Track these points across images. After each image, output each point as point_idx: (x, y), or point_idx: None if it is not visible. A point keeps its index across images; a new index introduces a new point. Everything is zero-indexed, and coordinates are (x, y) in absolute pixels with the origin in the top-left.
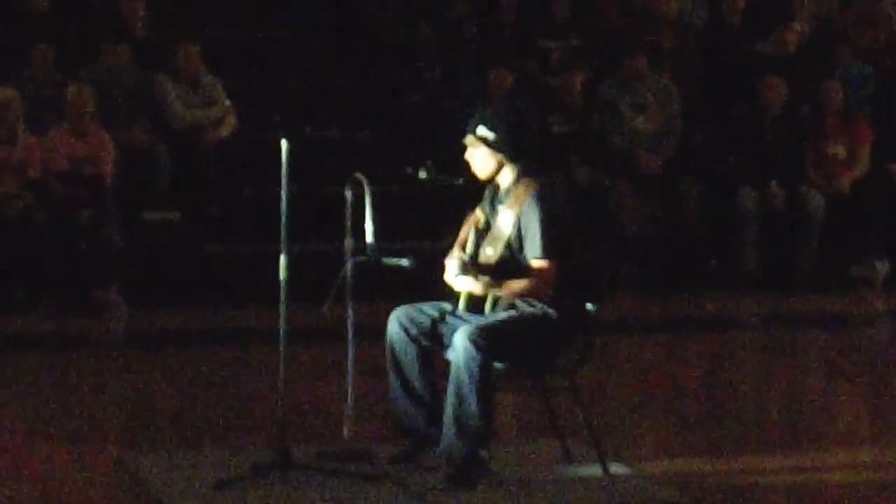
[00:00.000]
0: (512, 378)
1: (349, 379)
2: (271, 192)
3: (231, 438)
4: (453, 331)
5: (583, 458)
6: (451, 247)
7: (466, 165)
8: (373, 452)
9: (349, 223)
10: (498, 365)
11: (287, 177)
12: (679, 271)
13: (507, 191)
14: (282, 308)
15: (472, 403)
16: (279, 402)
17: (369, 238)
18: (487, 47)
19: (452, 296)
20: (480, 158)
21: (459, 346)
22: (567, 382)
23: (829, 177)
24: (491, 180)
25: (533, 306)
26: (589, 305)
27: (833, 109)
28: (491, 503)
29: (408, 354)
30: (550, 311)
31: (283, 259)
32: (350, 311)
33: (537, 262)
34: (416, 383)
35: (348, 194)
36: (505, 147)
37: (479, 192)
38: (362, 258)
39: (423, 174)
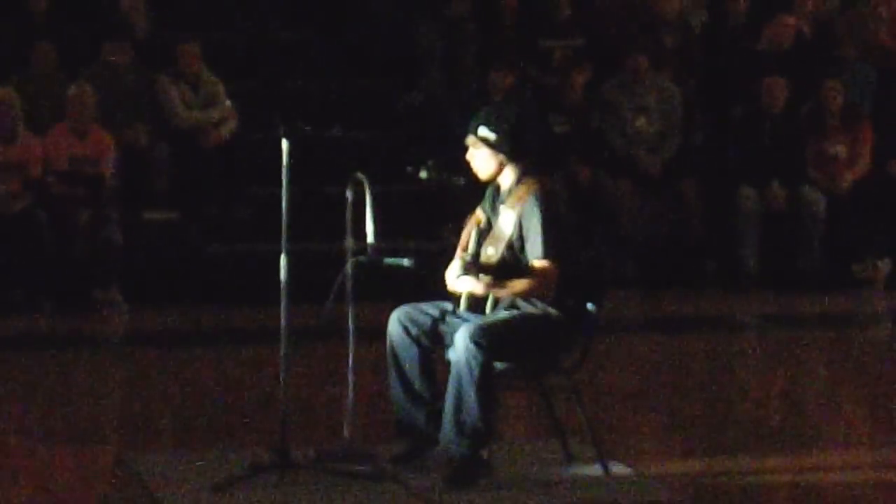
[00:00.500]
0: (512, 378)
1: (349, 379)
2: (272, 192)
3: (231, 438)
4: (454, 331)
5: (583, 458)
6: (453, 247)
7: (467, 165)
8: (373, 452)
9: (350, 223)
10: (498, 365)
11: (288, 177)
12: (680, 271)
13: (509, 191)
14: (282, 308)
15: (473, 403)
16: (279, 402)
17: (370, 238)
18: (488, 47)
19: (453, 296)
20: (482, 159)
21: (460, 346)
22: (567, 382)
23: (831, 176)
24: (492, 181)
25: (534, 306)
26: (590, 305)
27: (834, 109)
28: (491, 503)
29: (408, 354)
30: (551, 310)
31: (283, 259)
32: (351, 311)
33: (539, 263)
34: (417, 383)
35: (349, 194)
36: (506, 148)
37: (479, 192)
38: (363, 258)
39: (423, 174)
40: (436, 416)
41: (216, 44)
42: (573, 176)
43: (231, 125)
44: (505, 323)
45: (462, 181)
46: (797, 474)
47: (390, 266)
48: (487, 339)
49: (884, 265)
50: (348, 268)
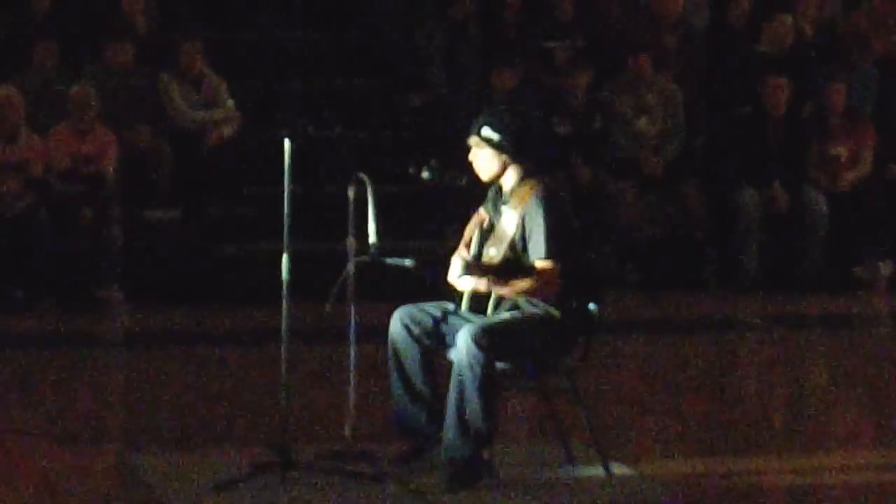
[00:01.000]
0: (514, 378)
1: (351, 379)
2: (274, 192)
3: (232, 438)
4: (456, 331)
5: (584, 459)
6: (455, 247)
7: (470, 166)
8: (374, 452)
9: (352, 223)
10: (500, 365)
11: (290, 176)
12: (681, 272)
13: (511, 192)
14: (284, 307)
15: (475, 403)
16: (280, 402)
17: (372, 238)
18: (491, 48)
19: (455, 296)
20: (484, 159)
21: (462, 346)
22: (569, 383)
23: (832, 178)
24: (494, 181)
25: (536, 306)
26: (591, 306)
27: (836, 110)
28: (492, 503)
29: (410, 354)
30: (553, 311)
31: (285, 258)
32: (352, 311)
33: (541, 263)
34: (418, 383)
35: (351, 194)
36: (509, 148)
37: (482, 192)
38: (365, 258)
39: (426, 174)
40: (437, 416)
41: (218, 43)
42: (575, 176)
43: (233, 125)
44: (507, 323)
45: (464, 181)
46: (799, 475)
47: (392, 266)
48: (489, 340)
49: (885, 267)
50: (350, 267)
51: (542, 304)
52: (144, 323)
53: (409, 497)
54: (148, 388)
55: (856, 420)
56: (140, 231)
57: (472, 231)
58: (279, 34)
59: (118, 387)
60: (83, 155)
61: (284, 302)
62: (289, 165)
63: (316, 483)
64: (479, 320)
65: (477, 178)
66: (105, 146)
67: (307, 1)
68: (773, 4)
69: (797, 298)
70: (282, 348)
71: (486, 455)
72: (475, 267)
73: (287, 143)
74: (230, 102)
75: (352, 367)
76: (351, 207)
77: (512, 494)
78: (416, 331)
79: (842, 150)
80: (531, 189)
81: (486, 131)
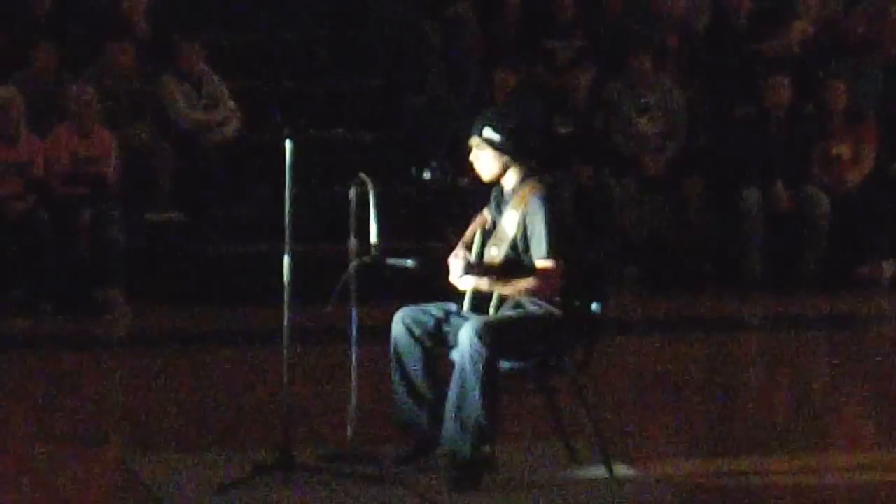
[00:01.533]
0: (516, 378)
1: (353, 380)
2: (275, 193)
3: (234, 439)
4: (458, 331)
5: (587, 459)
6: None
7: (471, 166)
8: (376, 453)
9: (353, 224)
10: (503, 364)
11: (291, 177)
12: (683, 272)
13: (512, 192)
14: (285, 309)
15: (476, 401)
16: (282, 403)
17: (373, 238)
18: (492, 48)
19: (457, 296)
20: (485, 160)
21: (465, 343)
22: (572, 383)
23: (835, 177)
24: (495, 182)
25: (538, 306)
26: (593, 306)
27: (838, 109)
28: None
29: (412, 355)
30: (555, 311)
31: (286, 260)
32: (354, 312)
33: (542, 263)
34: (420, 384)
35: (352, 195)
36: (510, 149)
37: (483, 193)
38: (366, 259)
39: (427, 175)
40: (439, 417)
41: (219, 44)
42: (576, 176)
43: (234, 125)
44: (509, 322)
45: (465, 182)
46: (801, 475)
47: (393, 267)
48: (491, 338)
49: (888, 266)
50: (352, 268)
51: (544, 304)
52: (145, 324)
53: (411, 498)
54: (149, 390)
55: (858, 420)
56: (141, 232)
57: (472, 232)
58: (280, 35)
59: (119, 388)
60: (84, 156)
61: (286, 303)
62: (290, 166)
63: (318, 484)
64: (481, 319)
65: (478, 178)
66: (106, 147)
67: (308, 1)
68: (774, 4)
69: (799, 298)
70: (283, 349)
71: (487, 455)
72: (477, 267)
73: (288, 143)
74: (231, 103)
75: (353, 369)
76: (352, 208)
77: (514, 494)
78: (417, 332)
79: (844, 150)
80: (532, 189)
81: (487, 132)
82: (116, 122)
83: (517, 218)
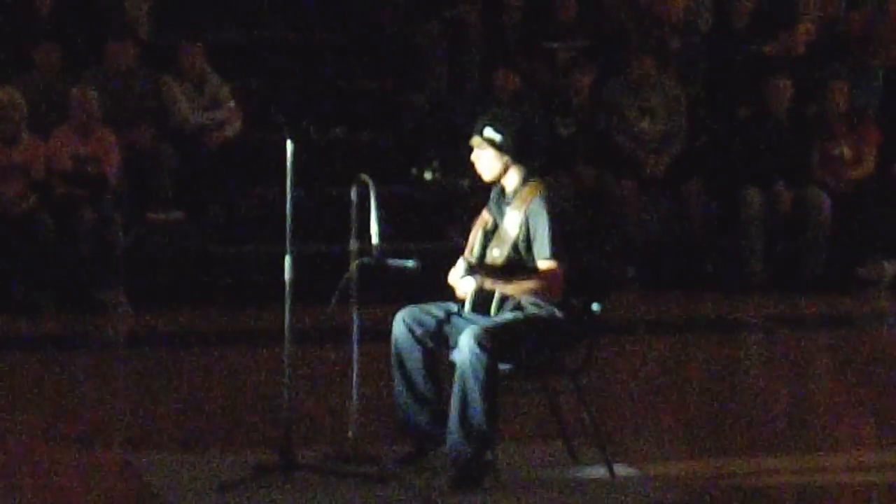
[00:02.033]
0: (517, 379)
1: (353, 380)
2: (276, 193)
3: (235, 440)
4: (459, 332)
5: (588, 460)
6: (460, 249)
7: (472, 167)
8: (377, 454)
9: (354, 224)
10: (503, 366)
11: (292, 178)
12: (684, 272)
13: (514, 192)
14: (286, 309)
15: (478, 404)
16: (284, 404)
17: (374, 239)
18: (493, 48)
19: (458, 296)
20: (487, 160)
21: (465, 347)
22: (572, 384)
23: (836, 177)
24: (497, 182)
25: (539, 307)
26: (594, 306)
27: (839, 110)
28: None
29: (413, 355)
30: (556, 311)
31: (287, 260)
32: (355, 313)
33: (544, 264)
34: (421, 384)
35: (353, 195)
36: (511, 149)
37: (484, 193)
38: (367, 259)
39: (428, 175)
40: (440, 417)
41: (220, 44)
42: (578, 177)
43: (235, 126)
44: (510, 324)
45: (466, 182)
46: (802, 476)
47: (395, 267)
48: (492, 341)
49: (889, 266)
50: (353, 269)
51: (545, 305)
52: (147, 324)
53: (412, 499)
54: (151, 390)
55: (860, 420)
56: (142, 233)
57: (475, 234)
58: (281, 35)
59: (121, 388)
60: (85, 157)
61: (287, 303)
62: (291, 167)
63: (319, 484)
64: (482, 321)
65: (479, 178)
66: (107, 148)
67: (310, 2)
68: (776, 5)
69: (800, 298)
70: (284, 350)
71: (489, 456)
72: (478, 268)
73: (289, 144)
74: (232, 104)
75: (354, 369)
76: (353, 209)
77: (515, 495)
78: (418, 332)
79: (845, 150)
80: (534, 190)
81: (489, 132)
82: (118, 123)
83: (519, 218)
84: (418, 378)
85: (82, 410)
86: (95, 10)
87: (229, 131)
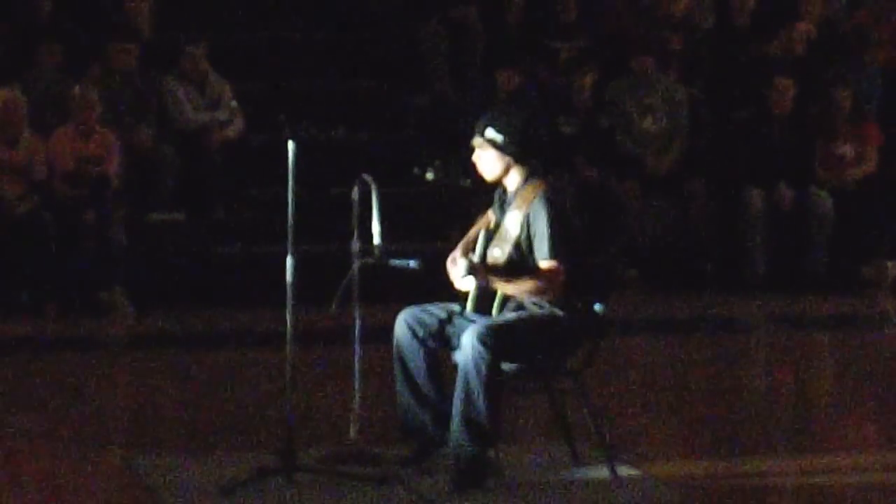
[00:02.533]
0: (519, 379)
1: (356, 381)
2: (277, 194)
3: (237, 440)
4: (461, 332)
5: (590, 460)
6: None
7: (474, 167)
8: (380, 454)
9: (356, 225)
10: (505, 366)
11: (294, 178)
12: (687, 272)
13: (516, 192)
14: (288, 310)
15: (480, 404)
16: (285, 404)
17: (376, 239)
18: (495, 48)
19: (460, 297)
20: (488, 161)
21: (468, 347)
22: (575, 384)
23: (838, 177)
24: (498, 182)
25: (541, 307)
26: (597, 306)
27: (842, 110)
28: None
29: (415, 356)
30: (558, 311)
31: (289, 261)
32: (357, 313)
33: (545, 263)
34: (423, 385)
35: (355, 196)
36: (513, 149)
37: (485, 193)
38: (369, 259)
39: (430, 175)
40: (442, 417)
41: (222, 45)
42: (580, 177)
43: (237, 126)
44: (512, 324)
45: (468, 182)
46: (805, 476)
47: (397, 267)
48: (494, 340)
49: (892, 266)
50: (355, 269)
51: (547, 305)
52: (148, 325)
53: (415, 499)
54: (152, 391)
55: (862, 421)
56: (144, 233)
57: (475, 233)
58: (282, 35)
59: (122, 389)
60: (86, 157)
61: (288, 304)
62: (292, 167)
63: (321, 485)
64: (484, 321)
65: (481, 178)
66: (108, 148)
67: (310, 2)
68: (778, 5)
69: (803, 298)
70: (286, 350)
71: (491, 456)
72: (480, 268)
73: (291, 144)
74: (233, 104)
75: (356, 369)
76: (355, 209)
77: (518, 495)
78: (420, 332)
79: (847, 149)
80: (536, 190)
81: (490, 132)
82: (119, 123)
83: (520, 218)
84: (420, 379)
85: (83, 411)
86: (97, 10)
87: (230, 132)
